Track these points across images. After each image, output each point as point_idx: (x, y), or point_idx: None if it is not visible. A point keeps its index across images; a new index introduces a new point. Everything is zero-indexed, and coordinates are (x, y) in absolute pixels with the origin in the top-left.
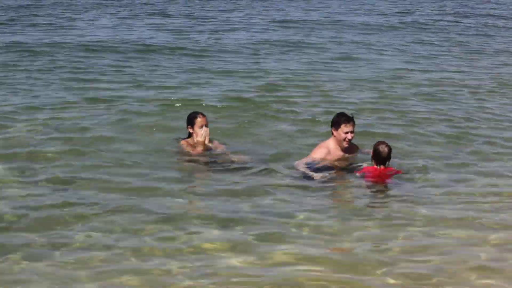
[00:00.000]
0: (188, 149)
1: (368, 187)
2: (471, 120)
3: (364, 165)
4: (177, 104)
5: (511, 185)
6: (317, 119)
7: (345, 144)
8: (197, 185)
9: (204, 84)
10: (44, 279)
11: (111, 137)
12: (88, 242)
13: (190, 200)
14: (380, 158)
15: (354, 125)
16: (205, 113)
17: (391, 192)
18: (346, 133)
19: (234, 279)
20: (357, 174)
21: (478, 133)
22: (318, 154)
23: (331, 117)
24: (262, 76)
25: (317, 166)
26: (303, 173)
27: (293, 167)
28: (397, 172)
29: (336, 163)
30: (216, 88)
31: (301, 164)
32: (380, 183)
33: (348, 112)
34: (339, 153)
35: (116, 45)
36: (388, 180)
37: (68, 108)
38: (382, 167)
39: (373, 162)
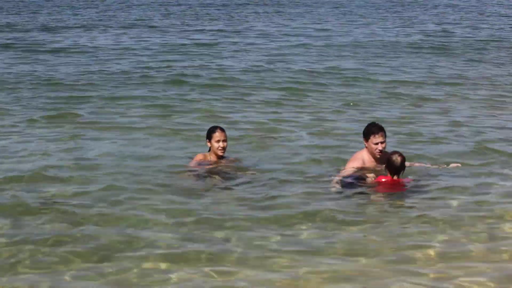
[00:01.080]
0: (195, 162)
1: (383, 196)
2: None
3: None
4: None
5: None
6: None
7: (377, 155)
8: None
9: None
10: None
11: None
12: None
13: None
14: (393, 168)
15: (384, 135)
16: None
17: (403, 202)
18: (376, 144)
19: None
20: (373, 182)
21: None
22: (353, 165)
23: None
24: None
25: (350, 177)
26: (332, 185)
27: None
28: (410, 181)
29: (371, 174)
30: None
31: (337, 177)
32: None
33: (379, 122)
34: (373, 164)
35: None
36: (402, 190)
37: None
38: (396, 177)
39: (387, 172)
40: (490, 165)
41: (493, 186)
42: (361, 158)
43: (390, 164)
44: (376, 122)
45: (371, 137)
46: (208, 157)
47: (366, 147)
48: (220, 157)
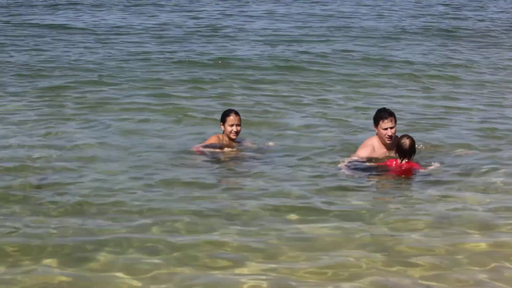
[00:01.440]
0: (207, 144)
1: (391, 181)
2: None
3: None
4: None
5: None
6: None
7: (387, 141)
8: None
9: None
10: None
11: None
12: None
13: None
14: (402, 151)
15: (394, 120)
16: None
17: (411, 187)
18: (385, 129)
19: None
20: (382, 165)
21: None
22: (363, 152)
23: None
24: None
25: (361, 164)
26: (342, 170)
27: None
28: (417, 167)
29: (381, 160)
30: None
31: (345, 162)
32: (402, 176)
33: (389, 107)
34: (383, 150)
35: None
36: (411, 175)
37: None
38: (405, 161)
39: (397, 155)
40: (498, 150)
41: (503, 172)
42: (371, 144)
43: (399, 147)
44: (386, 108)
45: (381, 122)
46: (221, 139)
47: (377, 133)
48: (232, 140)
